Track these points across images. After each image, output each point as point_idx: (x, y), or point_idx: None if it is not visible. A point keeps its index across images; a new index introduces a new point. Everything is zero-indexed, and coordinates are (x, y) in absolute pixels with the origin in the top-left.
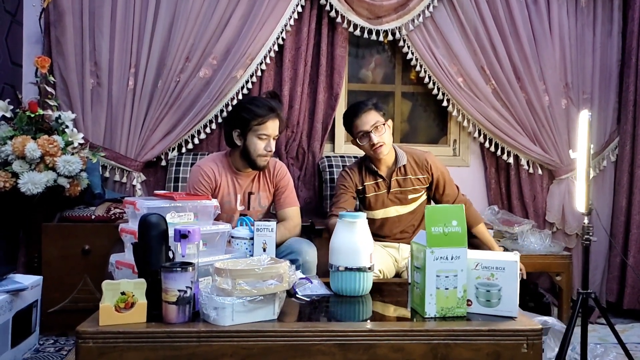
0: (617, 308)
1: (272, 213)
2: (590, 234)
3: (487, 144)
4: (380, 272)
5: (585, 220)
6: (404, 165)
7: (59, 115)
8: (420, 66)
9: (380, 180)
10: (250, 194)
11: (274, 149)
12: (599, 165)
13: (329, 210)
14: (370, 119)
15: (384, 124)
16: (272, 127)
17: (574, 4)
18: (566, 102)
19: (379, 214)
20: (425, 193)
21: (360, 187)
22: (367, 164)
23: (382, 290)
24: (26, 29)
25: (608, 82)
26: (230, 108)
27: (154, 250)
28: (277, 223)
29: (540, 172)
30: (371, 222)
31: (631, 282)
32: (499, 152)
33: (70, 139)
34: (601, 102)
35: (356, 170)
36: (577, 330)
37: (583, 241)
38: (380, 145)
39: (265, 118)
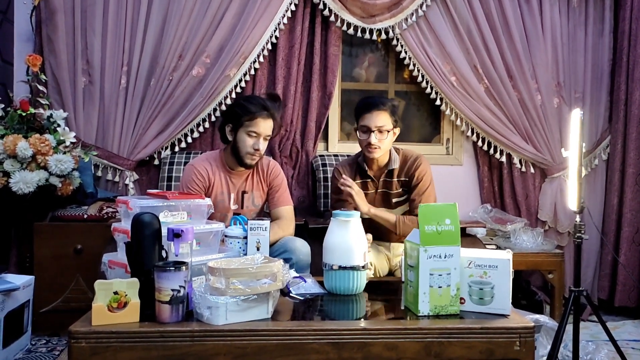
0: (609, 305)
1: (266, 212)
2: (582, 232)
3: (480, 143)
4: (373, 270)
5: (577, 219)
6: (394, 169)
7: (51, 114)
8: (414, 65)
9: (369, 180)
10: (243, 192)
11: (262, 149)
12: (590, 163)
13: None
14: (379, 120)
15: (389, 131)
16: (262, 125)
17: (565, 4)
18: (558, 101)
19: None
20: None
21: None
22: (360, 162)
23: (376, 288)
24: (17, 27)
25: (599, 81)
26: (223, 107)
27: (147, 250)
28: (270, 222)
29: (532, 170)
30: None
31: (622, 280)
32: (491, 151)
33: (62, 138)
34: (593, 101)
35: (348, 168)
36: (569, 328)
37: (575, 239)
38: (375, 148)
39: (256, 114)
